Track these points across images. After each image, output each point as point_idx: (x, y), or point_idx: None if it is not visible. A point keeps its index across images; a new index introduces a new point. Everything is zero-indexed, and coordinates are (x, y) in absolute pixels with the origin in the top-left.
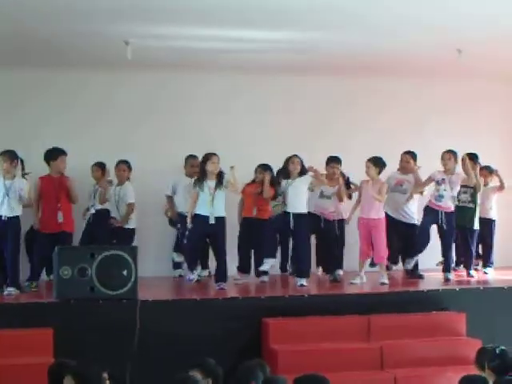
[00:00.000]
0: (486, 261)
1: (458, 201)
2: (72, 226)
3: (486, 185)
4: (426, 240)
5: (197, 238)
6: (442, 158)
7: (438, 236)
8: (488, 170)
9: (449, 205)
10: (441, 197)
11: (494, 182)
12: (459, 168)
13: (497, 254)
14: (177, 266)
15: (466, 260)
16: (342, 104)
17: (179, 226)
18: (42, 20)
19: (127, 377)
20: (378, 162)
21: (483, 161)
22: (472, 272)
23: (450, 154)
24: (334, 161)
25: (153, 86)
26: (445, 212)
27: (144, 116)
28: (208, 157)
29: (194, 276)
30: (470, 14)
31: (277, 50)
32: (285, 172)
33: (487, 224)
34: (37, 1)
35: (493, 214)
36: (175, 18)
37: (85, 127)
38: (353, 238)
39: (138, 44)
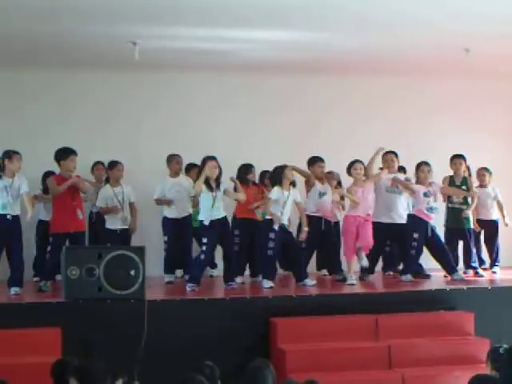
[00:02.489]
0: (494, 260)
1: (451, 203)
2: (85, 225)
3: (484, 186)
4: (420, 255)
5: (213, 247)
6: (422, 171)
7: (429, 248)
8: (487, 171)
9: (435, 215)
10: (432, 209)
11: (492, 183)
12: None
13: (502, 254)
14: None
15: (468, 261)
16: (341, 103)
17: (166, 238)
18: (49, 21)
19: (135, 376)
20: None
21: (487, 160)
22: (480, 271)
23: (429, 166)
24: (320, 160)
25: (155, 87)
26: (433, 224)
27: (147, 116)
28: (206, 161)
29: (195, 286)
30: (475, 12)
31: (277, 50)
32: (277, 179)
33: (491, 225)
34: (43, 1)
35: (495, 215)
36: (180, 20)
37: (88, 127)
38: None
39: (144, 45)
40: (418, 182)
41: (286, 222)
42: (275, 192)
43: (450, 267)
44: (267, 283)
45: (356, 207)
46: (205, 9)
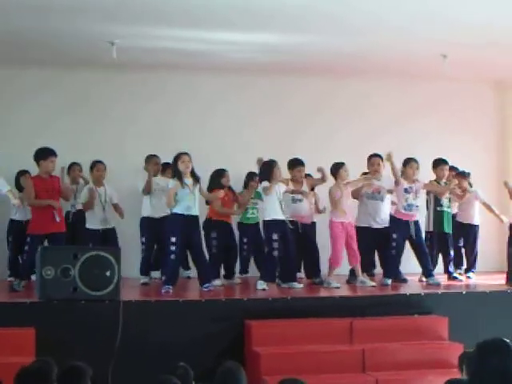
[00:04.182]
0: (470, 266)
1: (440, 206)
2: (64, 226)
3: (463, 190)
4: (400, 257)
5: (183, 244)
6: (411, 167)
7: (412, 247)
8: (462, 175)
9: (416, 213)
10: (410, 206)
11: (473, 186)
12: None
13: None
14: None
15: (446, 265)
16: (325, 105)
17: (143, 239)
18: (27, 18)
19: (109, 377)
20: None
21: (466, 163)
22: (456, 275)
23: (417, 163)
24: (300, 164)
25: (140, 87)
26: (414, 221)
27: (129, 117)
28: (178, 156)
29: (170, 287)
30: (451, 20)
31: (260, 52)
32: (267, 174)
33: (472, 230)
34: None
35: (476, 220)
36: (161, 20)
37: (72, 127)
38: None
39: (124, 44)
40: (403, 177)
41: (284, 217)
42: (265, 184)
43: (427, 270)
44: (262, 284)
45: (343, 213)
46: (187, 10)
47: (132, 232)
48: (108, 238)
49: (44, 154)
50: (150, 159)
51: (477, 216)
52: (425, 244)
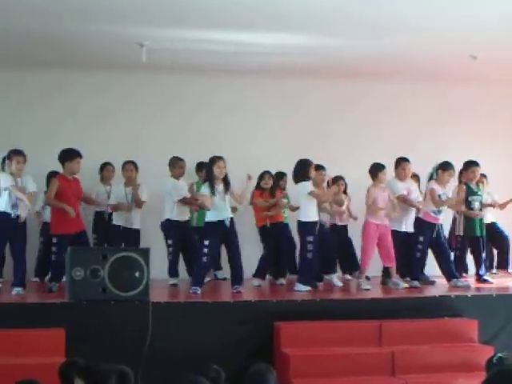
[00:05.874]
0: (507, 263)
1: (471, 210)
2: (83, 225)
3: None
4: (425, 259)
5: (216, 248)
6: (449, 174)
7: (434, 250)
8: (484, 177)
9: (443, 217)
10: (440, 210)
11: (488, 187)
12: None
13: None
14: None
15: (477, 267)
16: (352, 107)
17: (170, 241)
18: (55, 21)
19: (138, 378)
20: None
21: (496, 165)
22: (486, 277)
23: (454, 171)
24: (321, 168)
25: (163, 89)
26: (439, 225)
27: (153, 118)
28: (214, 161)
29: (199, 289)
30: (481, 20)
31: (283, 54)
32: (304, 174)
33: (495, 228)
34: (51, 1)
35: (493, 218)
36: (187, 22)
37: (95, 128)
38: None
39: (152, 47)
40: (437, 181)
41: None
42: (309, 186)
43: (450, 273)
44: (303, 287)
45: (379, 214)
46: (212, 12)
47: (156, 232)
48: (130, 237)
49: (70, 156)
50: (175, 162)
51: (493, 214)
52: (447, 248)
